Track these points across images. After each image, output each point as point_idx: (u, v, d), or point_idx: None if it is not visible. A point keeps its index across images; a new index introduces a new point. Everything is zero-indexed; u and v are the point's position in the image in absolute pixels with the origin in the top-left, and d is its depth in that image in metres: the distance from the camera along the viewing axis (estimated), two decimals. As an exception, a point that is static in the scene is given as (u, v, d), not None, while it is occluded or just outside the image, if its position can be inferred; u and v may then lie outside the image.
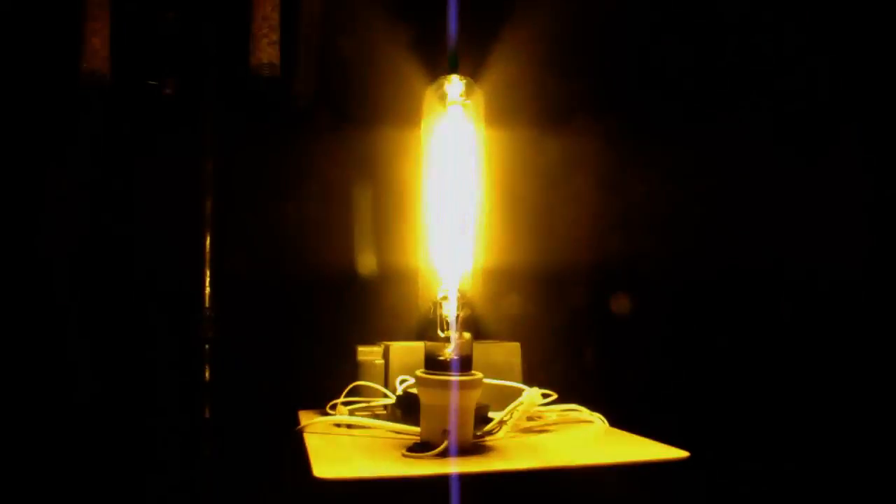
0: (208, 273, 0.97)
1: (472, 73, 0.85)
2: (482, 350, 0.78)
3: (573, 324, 1.15)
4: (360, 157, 1.09)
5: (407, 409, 0.77)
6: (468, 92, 0.79)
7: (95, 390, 0.99)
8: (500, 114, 0.88)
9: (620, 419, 0.83)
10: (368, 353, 0.89)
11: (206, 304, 0.96)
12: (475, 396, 0.69)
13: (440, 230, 0.77)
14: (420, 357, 0.70)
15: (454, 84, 0.78)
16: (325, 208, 1.08)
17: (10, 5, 0.97)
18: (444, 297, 0.72)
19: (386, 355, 0.89)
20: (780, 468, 1.15)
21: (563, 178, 1.17)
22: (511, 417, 0.77)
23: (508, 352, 0.91)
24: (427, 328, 0.70)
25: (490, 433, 0.75)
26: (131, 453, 0.98)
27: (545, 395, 0.81)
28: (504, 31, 1.12)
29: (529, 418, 0.80)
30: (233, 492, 0.97)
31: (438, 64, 0.90)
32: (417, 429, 0.70)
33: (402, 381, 0.84)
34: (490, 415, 0.77)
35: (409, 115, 0.85)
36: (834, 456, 1.15)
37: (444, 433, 0.66)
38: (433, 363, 0.69)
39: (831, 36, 1.21)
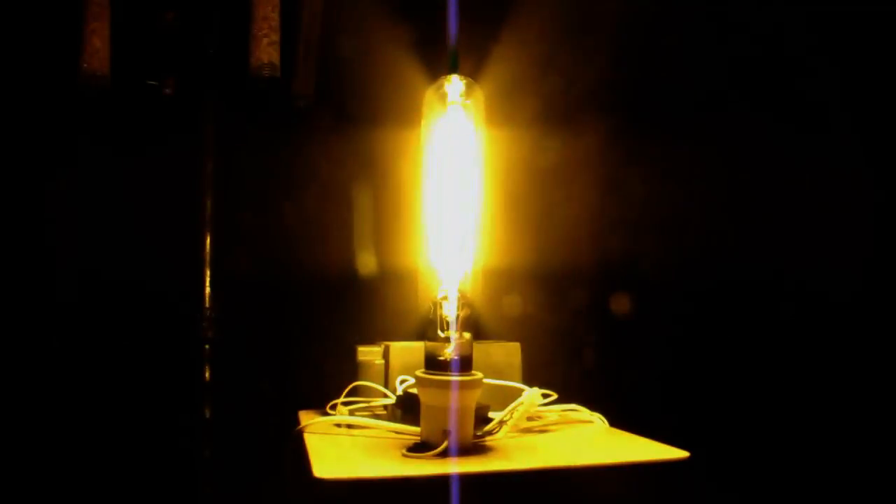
0: (208, 273, 0.97)
1: (472, 73, 0.85)
2: (482, 350, 0.78)
3: (573, 324, 1.15)
4: (360, 157, 1.09)
5: (407, 409, 0.77)
6: (468, 92, 0.79)
7: (95, 390, 0.99)
8: (500, 114, 0.88)
9: (620, 419, 0.83)
10: (368, 353, 0.89)
11: (206, 304, 0.96)
12: (475, 396, 0.69)
13: (440, 230, 0.77)
14: (420, 357, 0.70)
15: (454, 84, 0.78)
16: (325, 208, 1.08)
17: (10, 5, 0.97)
18: (444, 297, 0.71)
19: (386, 355, 0.89)
20: (780, 468, 1.15)
21: (563, 177, 1.17)
22: (511, 417, 0.77)
23: (508, 352, 0.91)
24: (427, 328, 0.70)
25: (490, 433, 0.75)
26: (131, 453, 0.98)
27: (545, 395, 0.81)
28: (504, 31, 1.12)
29: (529, 418, 0.80)
30: (233, 492, 0.97)
31: (438, 64, 0.90)
32: (417, 429, 0.70)
33: (402, 381, 0.84)
34: (490, 415, 0.77)
35: (409, 115, 0.85)
36: (834, 456, 1.15)
37: (445, 433, 0.66)
38: (433, 363, 0.69)
39: (833, 37, 1.21)
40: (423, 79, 0.95)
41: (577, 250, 1.16)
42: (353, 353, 0.89)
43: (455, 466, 0.64)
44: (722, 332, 1.18)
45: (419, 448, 0.67)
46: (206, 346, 0.96)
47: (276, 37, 0.93)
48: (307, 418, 0.81)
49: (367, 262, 1.07)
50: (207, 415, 0.95)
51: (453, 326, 0.69)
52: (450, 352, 0.68)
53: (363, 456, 0.68)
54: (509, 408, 0.77)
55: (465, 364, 0.69)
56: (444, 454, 0.66)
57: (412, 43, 1.08)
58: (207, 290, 0.97)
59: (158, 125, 1.01)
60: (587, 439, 0.78)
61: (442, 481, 0.61)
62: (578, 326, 1.16)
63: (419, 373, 0.69)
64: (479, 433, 0.73)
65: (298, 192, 1.08)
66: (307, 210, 1.08)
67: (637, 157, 1.19)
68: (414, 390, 0.75)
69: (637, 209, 1.19)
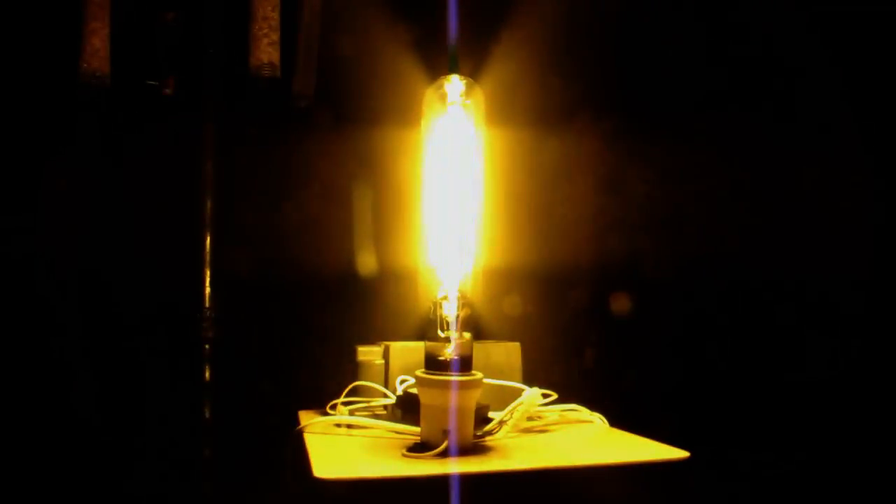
0: (208, 273, 0.97)
1: (472, 73, 0.85)
2: (482, 350, 0.78)
3: (573, 324, 1.15)
4: (360, 157, 1.09)
5: (407, 409, 0.77)
6: (468, 92, 0.79)
7: (95, 391, 0.99)
8: (500, 114, 0.88)
9: (620, 419, 0.83)
10: (368, 353, 0.89)
11: (206, 304, 0.96)
12: (475, 396, 0.69)
13: (440, 230, 0.77)
14: (420, 357, 0.70)
15: (454, 84, 0.78)
16: (325, 208, 1.08)
17: (10, 5, 0.97)
18: (444, 297, 0.72)
19: (386, 355, 0.89)
20: (780, 468, 1.15)
21: (563, 178, 1.17)
22: (511, 417, 0.77)
23: (508, 352, 0.91)
24: (427, 328, 0.70)
25: (490, 433, 0.75)
26: (131, 454, 0.98)
27: (545, 395, 0.81)
28: (504, 31, 1.12)
29: (529, 418, 0.80)
30: (233, 492, 0.97)
31: (438, 64, 0.90)
32: (417, 429, 0.70)
33: (402, 381, 0.84)
34: (490, 415, 0.77)
35: (409, 115, 0.85)
36: (833, 456, 1.15)
37: (444, 433, 0.66)
38: (433, 363, 0.69)
39: (834, 37, 1.20)
40: (423, 79, 0.95)
41: (577, 250, 1.16)
42: (353, 353, 0.89)
43: (455, 466, 0.64)
44: (722, 331, 1.18)
45: (419, 448, 0.67)
46: (206, 346, 0.96)
47: (276, 37, 0.93)
48: (307, 418, 0.81)
49: (367, 262, 1.07)
50: (207, 415, 0.95)
51: (453, 326, 0.69)
52: (450, 352, 0.68)
53: (363, 456, 0.68)
54: (509, 408, 0.77)
55: (465, 364, 0.69)
56: (444, 454, 0.66)
57: (412, 43, 1.08)
58: (207, 290, 0.97)
59: (158, 125, 1.01)
60: (587, 439, 0.78)
61: (442, 481, 0.61)
62: (578, 326, 1.16)
63: (419, 373, 0.69)
64: (479, 433, 0.73)
65: (298, 191, 1.08)
66: (307, 210, 1.08)
67: (637, 157, 1.19)
68: (414, 390, 0.75)
69: (637, 209, 1.19)
